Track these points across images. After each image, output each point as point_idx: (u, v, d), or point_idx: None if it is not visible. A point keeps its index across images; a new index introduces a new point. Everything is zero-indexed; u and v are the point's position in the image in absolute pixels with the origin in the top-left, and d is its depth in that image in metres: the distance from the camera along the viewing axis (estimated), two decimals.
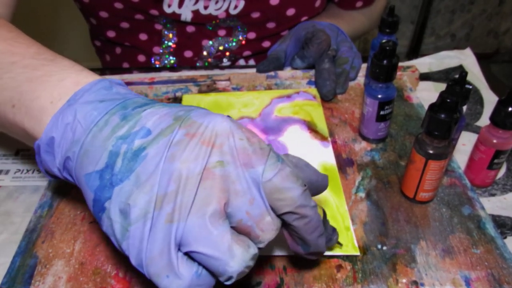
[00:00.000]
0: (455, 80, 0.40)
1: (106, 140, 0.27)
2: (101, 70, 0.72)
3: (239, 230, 0.27)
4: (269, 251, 0.38)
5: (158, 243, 0.25)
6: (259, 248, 0.27)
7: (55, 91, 0.30)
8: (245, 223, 0.26)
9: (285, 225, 0.29)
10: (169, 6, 0.61)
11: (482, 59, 0.68)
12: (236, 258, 0.25)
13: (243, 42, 0.68)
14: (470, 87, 0.41)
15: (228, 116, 0.29)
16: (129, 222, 0.25)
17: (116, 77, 0.62)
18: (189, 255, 0.26)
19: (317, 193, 0.32)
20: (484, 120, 0.56)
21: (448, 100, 0.35)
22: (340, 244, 0.38)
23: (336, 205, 0.42)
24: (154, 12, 0.62)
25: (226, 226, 0.26)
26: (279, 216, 0.28)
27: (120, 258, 0.38)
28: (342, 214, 0.41)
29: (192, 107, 0.29)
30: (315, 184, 0.31)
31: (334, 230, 0.35)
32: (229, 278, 0.26)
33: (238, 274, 0.26)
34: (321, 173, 0.32)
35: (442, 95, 0.36)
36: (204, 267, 0.26)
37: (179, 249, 0.25)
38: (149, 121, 0.27)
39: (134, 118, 0.28)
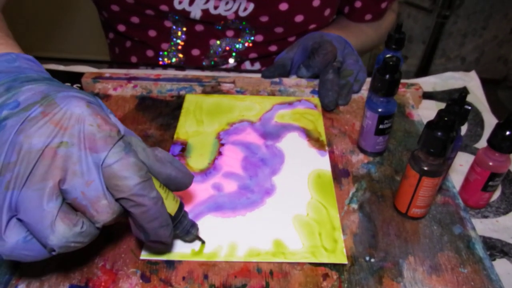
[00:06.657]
0: (454, 99, 0.40)
1: None
2: (109, 63, 0.73)
3: (75, 207, 0.29)
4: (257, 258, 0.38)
5: None
6: (98, 228, 0.30)
7: None
8: (79, 202, 0.28)
9: (128, 212, 0.31)
10: (180, 2, 0.62)
11: (490, 84, 0.68)
12: (56, 233, 0.27)
13: (250, 44, 0.69)
14: (469, 108, 0.41)
15: (89, 101, 0.30)
16: None
17: (123, 71, 0.63)
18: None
19: (177, 189, 0.35)
20: (483, 143, 0.56)
21: (446, 119, 0.36)
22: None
23: (328, 213, 0.42)
24: (164, 7, 0.63)
25: (56, 203, 0.27)
26: (117, 200, 0.30)
27: (107, 249, 0.39)
28: (334, 223, 0.41)
29: (67, 89, 0.31)
30: (174, 181, 0.34)
31: (193, 225, 0.37)
32: (51, 250, 0.28)
33: (60, 248, 0.28)
34: (187, 173, 0.35)
35: (440, 113, 0.36)
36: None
37: (16, 215, 0.27)
38: (23, 95, 0.29)
39: (15, 90, 0.29)
